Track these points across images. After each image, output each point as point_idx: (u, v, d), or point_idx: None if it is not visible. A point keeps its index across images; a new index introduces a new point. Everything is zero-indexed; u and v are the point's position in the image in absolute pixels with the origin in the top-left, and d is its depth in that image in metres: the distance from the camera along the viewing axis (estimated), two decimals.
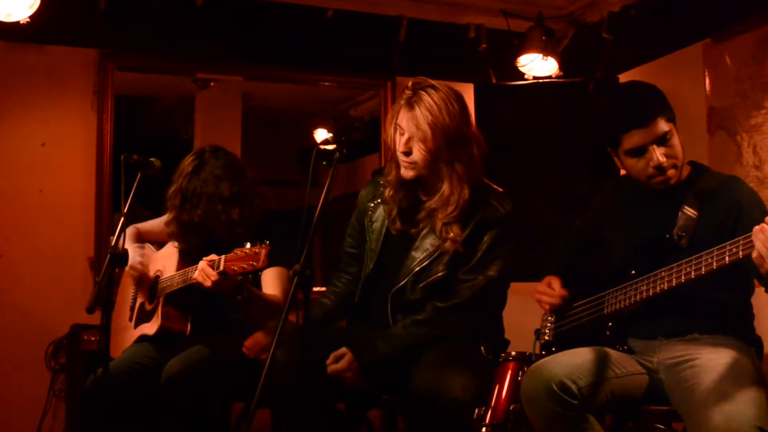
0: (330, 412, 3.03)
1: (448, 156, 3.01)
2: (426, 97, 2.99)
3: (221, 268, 3.07)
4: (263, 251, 2.99)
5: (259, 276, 3.44)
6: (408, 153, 3.01)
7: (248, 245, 3.03)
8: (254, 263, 3.00)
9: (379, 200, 3.22)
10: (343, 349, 2.93)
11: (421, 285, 3.03)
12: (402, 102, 3.04)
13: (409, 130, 3.00)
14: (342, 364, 2.91)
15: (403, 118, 3.01)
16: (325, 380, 2.92)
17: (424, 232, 3.07)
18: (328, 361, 2.93)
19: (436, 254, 3.02)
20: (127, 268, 3.66)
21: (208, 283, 3.11)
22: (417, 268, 3.04)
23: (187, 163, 3.54)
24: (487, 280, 3.01)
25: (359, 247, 3.27)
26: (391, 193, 3.14)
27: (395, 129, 3.05)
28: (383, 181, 3.18)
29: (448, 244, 3.00)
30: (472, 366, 2.88)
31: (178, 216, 3.51)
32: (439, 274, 3.02)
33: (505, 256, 3.04)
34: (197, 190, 3.48)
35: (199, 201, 3.46)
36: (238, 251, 3.04)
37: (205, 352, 3.34)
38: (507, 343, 3.24)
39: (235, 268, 3.03)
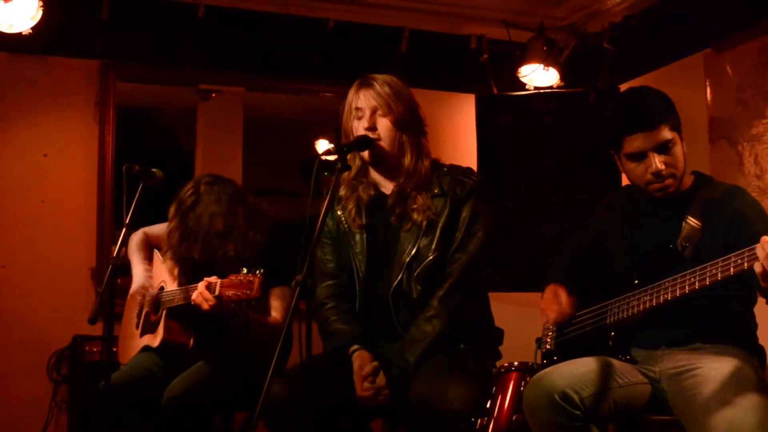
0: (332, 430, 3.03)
1: (409, 129, 3.06)
2: (379, 77, 3.08)
3: (217, 292, 3.11)
4: (257, 281, 3.02)
5: (267, 295, 3.46)
6: (372, 128, 3.03)
7: (244, 270, 3.05)
8: (248, 292, 3.03)
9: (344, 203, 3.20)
10: (378, 374, 2.93)
11: (415, 275, 3.01)
12: (355, 88, 3.09)
13: (370, 105, 3.03)
14: (373, 390, 2.91)
15: (362, 98, 3.05)
16: (326, 403, 2.91)
17: (402, 221, 3.06)
18: (361, 387, 2.92)
19: (421, 237, 3.02)
20: (131, 291, 3.67)
21: (206, 306, 3.15)
22: (407, 259, 3.02)
23: (185, 197, 3.57)
24: (471, 255, 3.03)
25: (338, 259, 3.20)
26: (347, 190, 3.14)
27: (352, 116, 3.08)
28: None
29: (425, 220, 3.02)
30: (470, 375, 2.87)
31: (177, 253, 3.55)
32: (430, 258, 3.01)
33: (485, 225, 3.07)
34: (194, 228, 3.51)
35: (196, 237, 3.49)
36: (233, 277, 3.07)
37: (205, 369, 3.36)
38: (501, 332, 3.23)
39: (230, 294, 3.06)
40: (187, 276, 3.53)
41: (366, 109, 3.05)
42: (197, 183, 3.60)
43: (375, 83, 3.07)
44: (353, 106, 3.08)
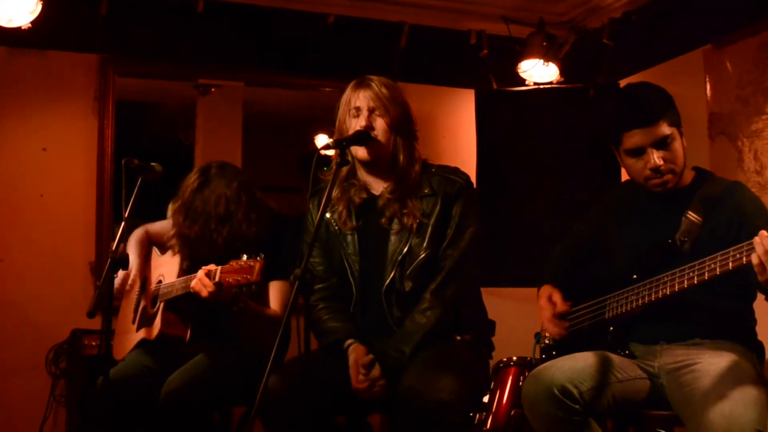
0: (329, 428, 3.03)
1: (403, 132, 3.08)
2: (376, 79, 3.11)
3: (217, 278, 3.11)
4: (257, 265, 3.02)
5: (266, 289, 3.46)
6: (370, 127, 3.04)
7: (244, 257, 3.05)
8: (248, 276, 3.03)
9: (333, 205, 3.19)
10: (374, 366, 2.93)
11: (408, 272, 3.03)
12: (352, 87, 3.11)
13: (368, 105, 3.06)
14: (368, 381, 2.91)
15: (360, 98, 3.07)
16: (322, 397, 2.91)
17: (393, 220, 3.07)
18: (357, 380, 2.92)
19: (412, 237, 3.04)
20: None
21: (205, 293, 3.15)
22: (399, 258, 3.04)
23: (193, 179, 3.57)
24: (462, 250, 3.06)
25: (327, 262, 3.21)
26: (337, 191, 3.14)
27: (349, 114, 3.09)
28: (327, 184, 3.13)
29: (416, 222, 3.03)
30: (462, 368, 2.88)
31: (179, 230, 3.54)
32: (422, 256, 3.03)
33: (475, 222, 3.10)
34: (198, 207, 3.50)
35: (198, 218, 3.49)
36: (233, 263, 3.07)
37: (203, 364, 3.36)
38: (493, 324, 3.24)
39: (230, 279, 3.06)
40: (185, 254, 3.53)
41: (364, 109, 3.07)
42: (206, 167, 3.61)
43: (373, 84, 3.09)
44: (351, 105, 3.10)
